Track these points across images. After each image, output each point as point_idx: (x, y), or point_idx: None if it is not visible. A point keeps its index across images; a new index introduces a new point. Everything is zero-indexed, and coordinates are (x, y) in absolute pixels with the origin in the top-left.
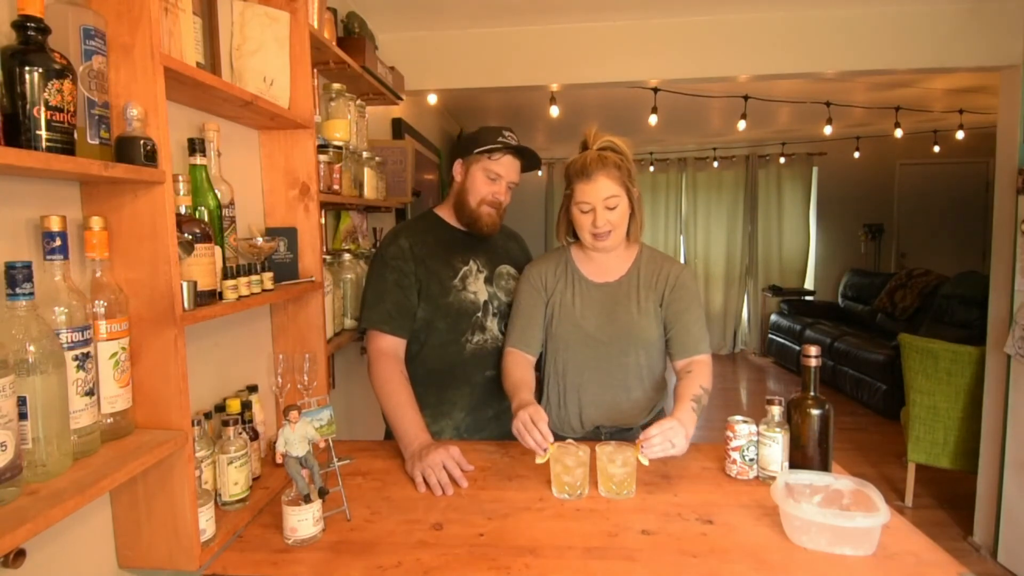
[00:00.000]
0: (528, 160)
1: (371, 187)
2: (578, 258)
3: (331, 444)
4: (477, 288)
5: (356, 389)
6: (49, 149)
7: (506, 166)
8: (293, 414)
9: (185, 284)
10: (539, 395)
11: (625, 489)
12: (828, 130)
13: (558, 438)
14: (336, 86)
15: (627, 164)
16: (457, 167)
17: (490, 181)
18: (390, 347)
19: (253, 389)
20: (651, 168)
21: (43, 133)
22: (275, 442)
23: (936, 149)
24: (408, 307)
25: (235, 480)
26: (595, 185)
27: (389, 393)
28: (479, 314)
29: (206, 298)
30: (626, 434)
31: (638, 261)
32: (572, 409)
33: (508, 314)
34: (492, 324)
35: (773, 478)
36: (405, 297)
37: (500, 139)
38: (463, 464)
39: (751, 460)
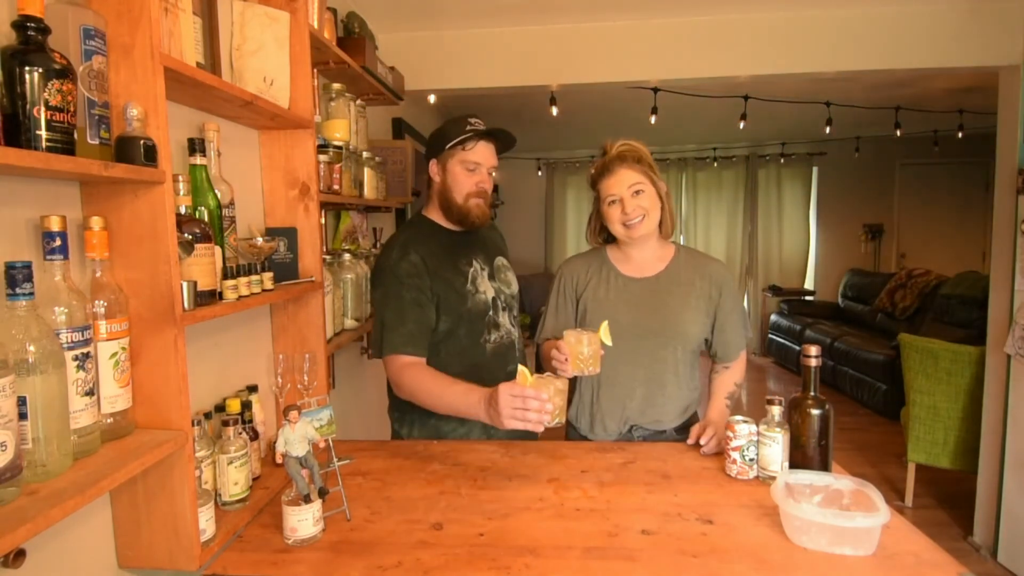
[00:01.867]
0: (502, 141)
1: (371, 187)
2: (615, 257)
3: (331, 444)
4: (485, 287)
5: (356, 389)
6: (49, 149)
7: (481, 153)
8: (293, 414)
9: (185, 284)
10: (570, 396)
11: (590, 366)
12: (828, 130)
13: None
14: (336, 86)
15: (647, 159)
16: (433, 167)
17: (470, 172)
18: (412, 361)
19: (253, 389)
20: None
21: (43, 133)
22: (275, 442)
23: (936, 149)
24: (428, 324)
25: (235, 480)
26: (618, 177)
27: (430, 390)
28: (491, 312)
29: (206, 298)
30: (660, 436)
31: (677, 257)
32: (606, 406)
33: (514, 306)
34: (504, 319)
35: (773, 478)
36: (424, 314)
37: (468, 127)
38: (526, 393)
39: (751, 460)
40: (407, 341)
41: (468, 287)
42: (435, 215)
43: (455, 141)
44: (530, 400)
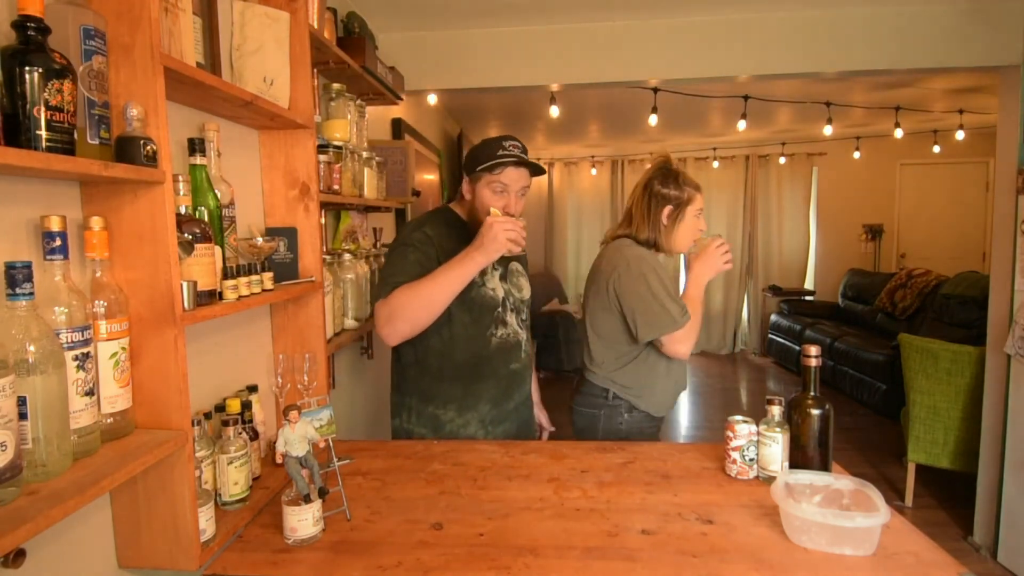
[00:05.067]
0: (533, 167)
1: (371, 187)
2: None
3: (331, 444)
4: (495, 284)
5: (356, 389)
6: (49, 149)
7: (511, 176)
8: (293, 414)
9: (185, 284)
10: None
11: None
12: (828, 130)
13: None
14: (336, 86)
15: None
16: (465, 186)
17: (497, 194)
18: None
19: (253, 389)
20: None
21: (43, 133)
22: (275, 442)
23: (936, 149)
24: None
25: (235, 480)
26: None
27: (420, 285)
28: (499, 309)
29: (206, 298)
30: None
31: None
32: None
33: (522, 309)
34: (512, 319)
35: (773, 478)
36: (423, 273)
37: (501, 151)
38: (511, 219)
39: (751, 460)
40: (395, 285)
41: (476, 278)
42: (463, 212)
43: (485, 166)
44: (517, 222)
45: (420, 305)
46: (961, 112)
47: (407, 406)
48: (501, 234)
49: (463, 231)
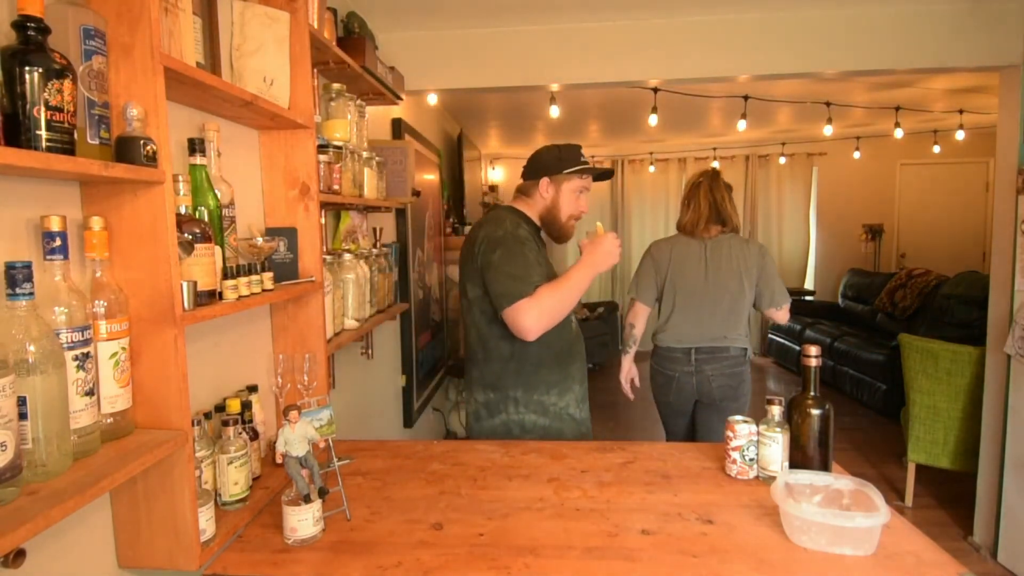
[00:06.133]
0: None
1: (371, 187)
2: None
3: (331, 444)
4: None
5: (356, 389)
6: (49, 149)
7: (589, 181)
8: (293, 414)
9: (185, 284)
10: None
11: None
12: (828, 130)
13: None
14: (336, 86)
15: None
16: (545, 185)
17: (578, 196)
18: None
19: (253, 389)
20: (651, 168)
21: (43, 133)
22: (275, 442)
23: (936, 149)
24: (544, 283)
25: (235, 480)
26: None
27: (557, 291)
28: None
29: (206, 298)
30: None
31: None
32: None
33: None
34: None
35: (773, 478)
36: (542, 273)
37: (582, 157)
38: (615, 238)
39: (751, 460)
40: (534, 285)
41: (552, 271)
42: (527, 211)
43: (575, 169)
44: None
45: (562, 308)
46: (961, 112)
47: (512, 399)
48: (615, 248)
49: (536, 229)
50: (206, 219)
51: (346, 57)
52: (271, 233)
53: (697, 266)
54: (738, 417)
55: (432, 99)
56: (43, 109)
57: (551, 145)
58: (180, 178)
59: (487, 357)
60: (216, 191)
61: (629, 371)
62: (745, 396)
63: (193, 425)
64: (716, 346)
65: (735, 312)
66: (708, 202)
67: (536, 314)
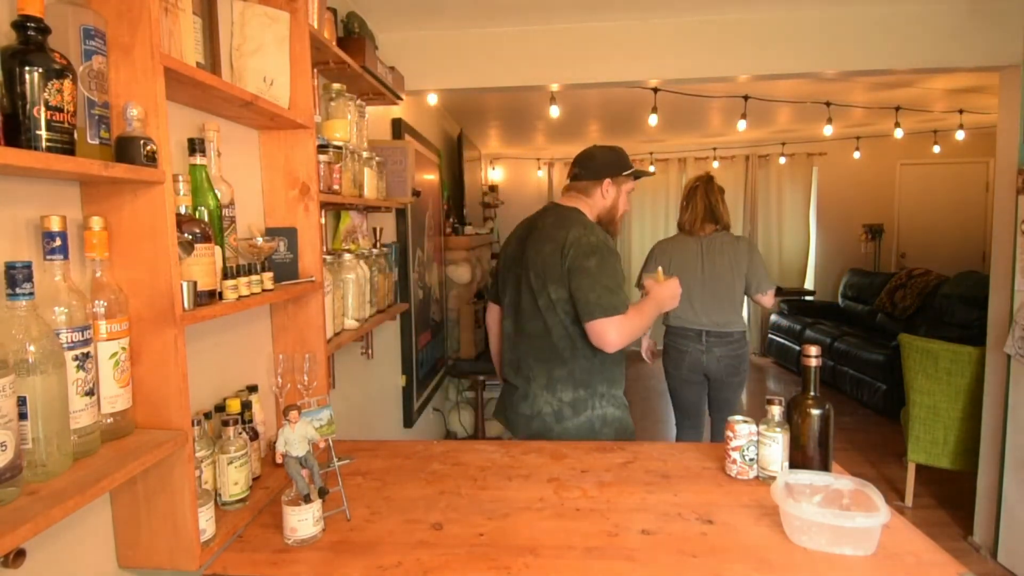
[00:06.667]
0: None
1: (371, 187)
2: None
3: (331, 444)
4: None
5: (356, 389)
6: (49, 149)
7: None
8: (293, 414)
9: (185, 284)
10: None
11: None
12: (828, 130)
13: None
14: (336, 86)
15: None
16: (607, 185)
17: (627, 197)
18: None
19: (253, 389)
20: (651, 168)
21: (43, 133)
22: (275, 442)
23: (936, 149)
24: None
25: (235, 480)
26: None
27: (635, 320)
28: None
29: (206, 298)
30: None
31: None
32: None
33: None
34: None
35: (773, 478)
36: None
37: (631, 161)
38: (677, 284)
39: (751, 460)
40: (627, 304)
41: None
42: (586, 211)
43: (631, 171)
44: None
45: (638, 332)
46: (961, 112)
47: (599, 394)
48: (678, 292)
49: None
50: (206, 219)
51: (346, 57)
52: (271, 233)
53: (695, 261)
54: (738, 417)
55: (432, 99)
56: (43, 109)
57: (603, 147)
58: (180, 178)
59: (575, 355)
60: (216, 191)
61: (648, 345)
62: (745, 371)
63: (193, 425)
64: (723, 331)
65: (731, 299)
66: (704, 203)
67: (624, 332)
